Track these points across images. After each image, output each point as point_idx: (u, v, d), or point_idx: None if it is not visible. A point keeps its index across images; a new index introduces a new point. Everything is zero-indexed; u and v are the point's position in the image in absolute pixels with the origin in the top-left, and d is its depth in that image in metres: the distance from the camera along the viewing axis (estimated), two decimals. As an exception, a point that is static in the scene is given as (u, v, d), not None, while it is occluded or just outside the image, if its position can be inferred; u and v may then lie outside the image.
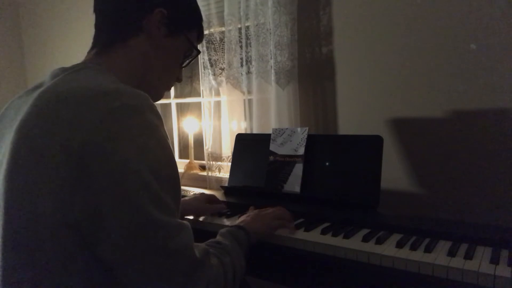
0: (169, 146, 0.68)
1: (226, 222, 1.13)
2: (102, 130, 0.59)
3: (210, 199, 1.25)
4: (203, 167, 2.00)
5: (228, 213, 1.20)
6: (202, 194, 1.29)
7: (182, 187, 1.67)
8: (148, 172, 0.61)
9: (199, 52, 0.89)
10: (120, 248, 0.60)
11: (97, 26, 0.81)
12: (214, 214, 1.20)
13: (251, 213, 1.04)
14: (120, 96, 0.62)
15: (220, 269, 0.74)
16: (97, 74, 0.71)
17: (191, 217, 1.19)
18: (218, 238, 0.86)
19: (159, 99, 0.89)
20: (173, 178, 0.67)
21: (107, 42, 0.78)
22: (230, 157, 1.70)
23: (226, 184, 1.50)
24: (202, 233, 1.09)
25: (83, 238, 0.60)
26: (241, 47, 1.70)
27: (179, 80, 0.91)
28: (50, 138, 0.60)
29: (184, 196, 1.45)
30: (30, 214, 0.60)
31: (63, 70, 0.73)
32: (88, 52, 0.80)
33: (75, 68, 0.72)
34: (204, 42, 1.81)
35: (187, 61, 0.90)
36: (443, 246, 0.89)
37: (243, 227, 0.91)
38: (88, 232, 0.60)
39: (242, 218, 1.01)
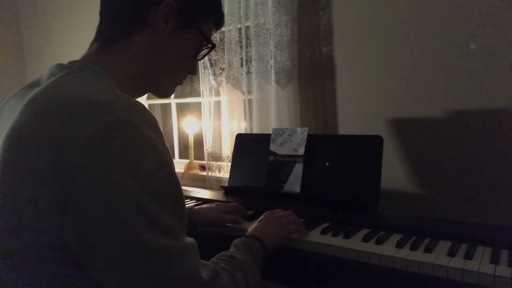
0: (169, 162, 0.62)
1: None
2: (93, 149, 0.54)
3: (231, 210, 1.14)
4: (203, 167, 2.00)
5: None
6: (221, 204, 1.17)
7: (182, 187, 1.66)
8: (144, 194, 0.57)
9: (214, 45, 0.81)
10: (119, 278, 0.57)
11: (101, 14, 0.75)
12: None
13: (263, 217, 0.98)
14: (113, 109, 0.57)
15: (233, 286, 0.70)
16: (93, 78, 0.66)
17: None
18: (232, 250, 0.81)
19: (169, 96, 0.84)
20: (174, 197, 0.62)
21: (109, 37, 0.73)
22: (230, 157, 1.70)
23: (226, 184, 1.50)
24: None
25: (75, 262, 0.57)
26: (241, 47, 1.70)
27: (192, 72, 0.83)
28: (38, 154, 0.56)
29: (186, 196, 1.45)
30: (16, 234, 0.57)
31: (60, 68, 0.68)
32: (91, 44, 0.75)
33: (72, 68, 0.68)
34: (204, 42, 1.80)
35: (202, 54, 0.81)
36: (443, 246, 0.89)
37: (258, 237, 0.86)
38: (81, 258, 0.57)
39: (255, 224, 0.95)
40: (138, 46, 0.73)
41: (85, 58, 0.74)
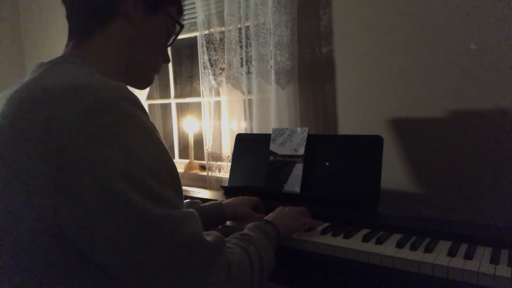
0: (157, 136, 0.63)
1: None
2: (79, 130, 0.55)
3: (255, 205, 1.16)
4: (203, 167, 2.00)
5: None
6: (246, 198, 1.18)
7: (182, 188, 1.67)
8: (137, 167, 0.57)
9: (182, 26, 0.83)
10: (124, 254, 0.57)
11: (69, 16, 0.77)
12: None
13: (276, 209, 1.02)
14: (94, 90, 0.58)
15: (245, 257, 0.72)
16: (73, 67, 0.67)
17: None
18: (245, 231, 0.84)
19: (149, 85, 0.84)
20: (168, 168, 0.63)
21: (83, 32, 0.74)
22: (230, 157, 1.70)
23: (226, 184, 1.50)
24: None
25: (73, 246, 0.57)
26: (241, 47, 1.70)
27: (166, 61, 0.85)
28: (25, 142, 0.56)
29: (186, 196, 1.45)
30: (7, 224, 0.57)
31: (41, 65, 0.70)
32: (66, 46, 0.77)
33: (52, 62, 0.69)
34: (204, 42, 1.81)
35: (172, 39, 0.84)
36: (443, 246, 0.89)
37: (271, 222, 0.89)
38: (80, 241, 0.57)
39: (269, 214, 0.98)
40: (113, 36, 0.74)
41: (64, 54, 0.75)
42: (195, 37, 1.88)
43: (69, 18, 0.77)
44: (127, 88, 0.62)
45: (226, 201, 1.15)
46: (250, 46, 1.66)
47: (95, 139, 0.55)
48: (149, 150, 0.60)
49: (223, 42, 1.76)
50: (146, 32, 0.77)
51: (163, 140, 0.65)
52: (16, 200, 0.57)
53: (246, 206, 1.13)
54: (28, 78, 0.67)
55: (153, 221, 0.57)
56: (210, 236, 0.66)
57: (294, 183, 1.30)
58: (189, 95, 2.25)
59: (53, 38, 2.60)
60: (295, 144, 1.34)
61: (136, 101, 0.62)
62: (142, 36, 0.77)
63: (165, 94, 2.31)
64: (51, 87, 0.60)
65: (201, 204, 1.09)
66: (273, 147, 1.39)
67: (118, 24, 0.74)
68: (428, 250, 0.86)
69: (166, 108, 2.38)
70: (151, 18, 0.77)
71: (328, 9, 1.53)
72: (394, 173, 1.38)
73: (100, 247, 0.57)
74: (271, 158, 1.38)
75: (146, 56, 0.80)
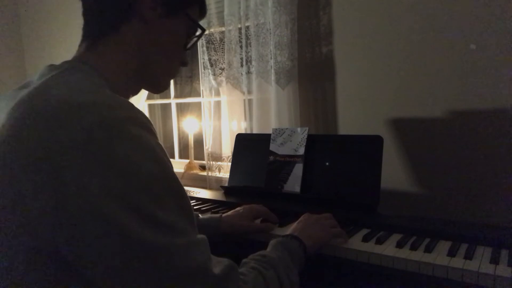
0: (162, 158, 0.60)
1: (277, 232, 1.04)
2: (77, 151, 0.53)
3: (258, 214, 1.10)
4: (203, 167, 2.00)
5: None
6: (248, 208, 1.11)
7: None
8: (136, 192, 0.54)
9: (204, 30, 0.78)
10: (119, 282, 0.54)
11: (85, 14, 0.73)
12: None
13: (302, 219, 0.96)
14: (96, 109, 0.55)
15: (260, 283, 0.67)
16: (80, 78, 0.65)
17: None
18: (267, 250, 0.79)
19: (165, 89, 0.81)
20: (174, 193, 0.59)
21: (97, 34, 0.71)
22: (230, 157, 1.70)
23: (226, 184, 1.50)
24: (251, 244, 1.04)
25: (72, 267, 0.55)
26: (241, 47, 1.70)
27: (184, 64, 0.80)
28: (26, 159, 0.54)
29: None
30: (6, 241, 0.55)
31: (50, 69, 0.67)
32: (79, 46, 0.74)
33: (61, 69, 0.66)
34: (204, 42, 1.81)
35: (192, 42, 0.79)
36: (443, 246, 0.89)
37: (297, 237, 0.84)
38: (79, 265, 0.55)
39: (294, 225, 0.92)
40: (128, 39, 0.71)
41: (75, 58, 0.72)
42: (195, 37, 1.88)
43: (84, 15, 0.74)
44: (133, 107, 0.60)
45: (226, 214, 1.09)
46: (250, 46, 1.66)
47: (93, 162, 0.53)
48: (152, 173, 0.57)
49: (223, 42, 1.76)
50: (162, 35, 0.73)
51: (170, 163, 0.62)
52: (15, 216, 0.55)
53: (246, 219, 1.07)
54: (35, 84, 0.64)
55: (149, 250, 0.54)
56: (219, 265, 0.61)
57: (294, 183, 1.30)
58: (189, 95, 2.25)
59: (53, 38, 2.61)
60: (295, 144, 1.34)
61: (141, 121, 0.59)
62: (157, 40, 0.73)
63: (165, 94, 2.31)
64: (55, 103, 0.57)
65: (199, 218, 1.05)
66: (273, 147, 1.39)
67: (133, 25, 0.70)
68: (428, 250, 0.86)
69: (166, 108, 2.38)
70: (169, 21, 0.72)
71: (328, 9, 1.53)
72: (394, 173, 1.38)
73: (94, 272, 0.55)
74: (271, 158, 1.38)
75: (161, 60, 0.76)
